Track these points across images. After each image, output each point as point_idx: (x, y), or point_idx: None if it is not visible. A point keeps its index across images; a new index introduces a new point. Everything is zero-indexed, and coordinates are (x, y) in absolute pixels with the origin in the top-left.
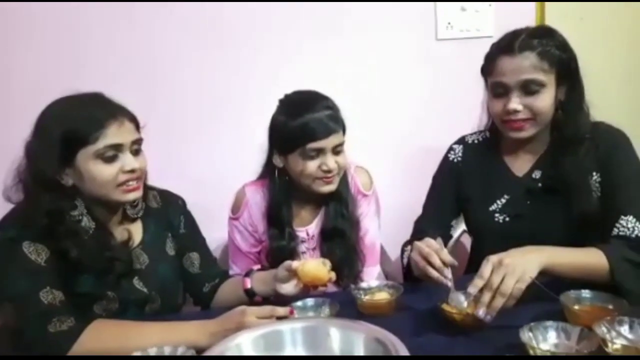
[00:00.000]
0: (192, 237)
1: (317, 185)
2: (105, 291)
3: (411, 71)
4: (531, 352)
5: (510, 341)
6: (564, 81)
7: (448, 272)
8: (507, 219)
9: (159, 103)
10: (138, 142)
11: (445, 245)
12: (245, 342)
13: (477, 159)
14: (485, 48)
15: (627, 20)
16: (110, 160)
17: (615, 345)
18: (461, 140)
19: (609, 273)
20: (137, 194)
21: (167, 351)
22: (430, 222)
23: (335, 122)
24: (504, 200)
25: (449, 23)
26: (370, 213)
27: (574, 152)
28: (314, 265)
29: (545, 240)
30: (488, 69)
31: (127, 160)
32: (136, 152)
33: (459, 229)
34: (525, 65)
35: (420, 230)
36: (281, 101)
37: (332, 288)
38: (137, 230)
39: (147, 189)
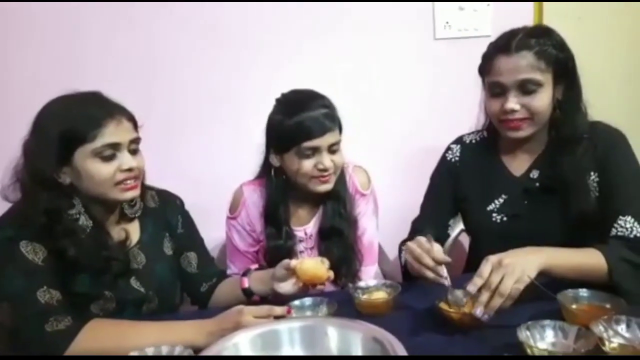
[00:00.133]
0: (189, 236)
1: (313, 185)
2: (102, 291)
3: (409, 71)
4: (528, 351)
5: (508, 340)
6: (562, 80)
7: (443, 270)
8: (505, 218)
9: (157, 103)
10: (136, 141)
11: (443, 245)
12: (242, 341)
13: (475, 158)
14: (483, 47)
15: (625, 20)
16: (108, 159)
17: (613, 344)
18: (459, 140)
19: (608, 273)
20: (135, 193)
21: (164, 351)
22: (428, 222)
23: (331, 121)
24: (501, 200)
25: (447, 22)
26: (368, 212)
27: (572, 152)
28: (312, 264)
29: (543, 240)
30: (485, 68)
31: (125, 159)
32: (134, 151)
33: (457, 228)
34: (522, 64)
35: (418, 229)
36: (278, 100)
37: (329, 287)
38: (134, 230)
39: (145, 188)
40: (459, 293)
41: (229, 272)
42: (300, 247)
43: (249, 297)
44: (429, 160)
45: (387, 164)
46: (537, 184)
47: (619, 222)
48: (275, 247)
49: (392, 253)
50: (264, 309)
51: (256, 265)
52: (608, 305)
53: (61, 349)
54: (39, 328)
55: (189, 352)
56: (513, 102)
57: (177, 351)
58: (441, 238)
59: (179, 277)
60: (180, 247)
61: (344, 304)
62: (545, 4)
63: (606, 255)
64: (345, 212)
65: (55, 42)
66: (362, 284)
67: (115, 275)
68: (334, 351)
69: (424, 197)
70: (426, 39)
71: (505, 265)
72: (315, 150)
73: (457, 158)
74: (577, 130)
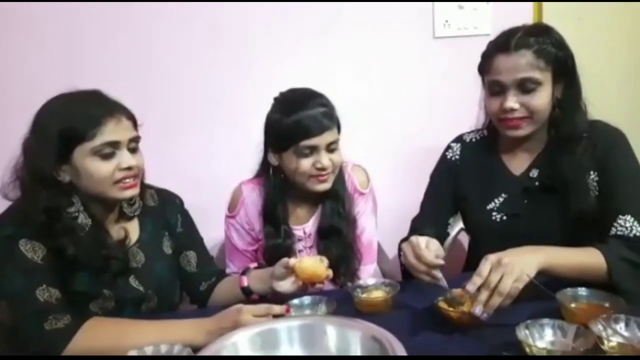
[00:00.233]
0: (189, 235)
1: (312, 184)
2: (101, 289)
3: (409, 69)
4: (527, 350)
5: (507, 339)
6: (561, 79)
7: (437, 273)
8: (505, 217)
9: (155, 102)
10: (135, 139)
11: (442, 243)
12: (241, 340)
13: (475, 157)
14: (483, 46)
15: (625, 20)
16: (107, 157)
17: (612, 343)
18: (459, 139)
19: (607, 273)
20: (134, 192)
21: (163, 350)
22: (428, 221)
23: (329, 119)
24: (501, 199)
25: (447, 21)
26: (367, 211)
27: (571, 151)
28: (311, 262)
29: (543, 239)
30: (485, 67)
31: (124, 157)
32: (133, 150)
33: (456, 227)
34: (521, 63)
35: (417, 228)
36: (276, 99)
37: (328, 286)
38: (134, 229)
39: (145, 187)
40: (457, 292)
41: (228, 271)
42: (299, 246)
43: (248, 296)
44: (428, 159)
45: (387, 162)
46: (537, 183)
47: (619, 221)
48: (274, 246)
49: (391, 252)
50: (262, 307)
51: (255, 264)
52: (607, 304)
53: (60, 347)
54: (38, 326)
55: (187, 351)
56: (512, 101)
57: (176, 350)
58: (441, 237)
59: (178, 276)
60: (179, 246)
61: (343, 302)
62: (544, 3)
63: (606, 255)
64: (344, 211)
65: (54, 42)
66: (361, 282)
67: (114, 274)
68: (333, 350)
69: (423, 195)
70: (425, 37)
71: (505, 264)
72: (314, 149)
73: (457, 157)
74: (577, 129)
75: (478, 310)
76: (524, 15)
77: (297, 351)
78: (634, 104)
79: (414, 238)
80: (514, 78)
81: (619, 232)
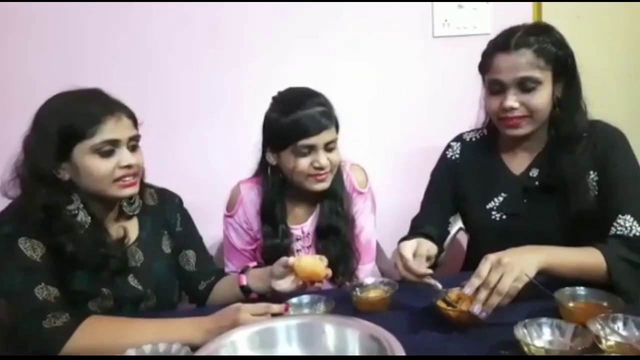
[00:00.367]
0: (188, 235)
1: (310, 183)
2: (100, 288)
3: (408, 68)
4: (525, 349)
5: (505, 338)
6: (561, 78)
7: (429, 280)
8: (504, 217)
9: (154, 102)
10: (135, 138)
11: (443, 242)
12: (240, 339)
13: (475, 156)
14: (482, 45)
15: (624, 19)
16: (106, 155)
17: (610, 342)
18: (459, 138)
19: (607, 272)
20: (134, 190)
21: (161, 348)
22: (428, 220)
23: (327, 119)
24: (501, 199)
25: (446, 20)
26: (366, 211)
27: (571, 150)
28: (310, 261)
29: (542, 239)
30: (485, 66)
31: (124, 155)
32: (133, 148)
33: (456, 226)
34: (521, 62)
35: (418, 227)
36: (274, 98)
37: (327, 285)
38: (133, 228)
39: (145, 186)
40: (453, 294)
41: (226, 270)
42: (298, 245)
43: (247, 295)
44: (428, 159)
45: (386, 162)
46: (537, 183)
47: (619, 221)
48: (272, 246)
49: (390, 252)
50: (261, 306)
51: (254, 263)
52: (605, 304)
53: (58, 345)
54: (36, 324)
55: (186, 350)
56: (512, 100)
57: (174, 349)
58: (442, 236)
59: (178, 275)
60: (178, 245)
61: (341, 301)
62: (544, 2)
63: (605, 254)
64: (343, 211)
65: (54, 42)
66: (359, 282)
67: (112, 272)
68: (332, 349)
69: (424, 195)
70: (425, 37)
71: (505, 264)
72: (312, 149)
73: (457, 156)
74: (577, 128)
75: (477, 309)
76: (523, 15)
77: (296, 350)
78: (634, 104)
79: (402, 249)
80: (514, 77)
81: (618, 232)
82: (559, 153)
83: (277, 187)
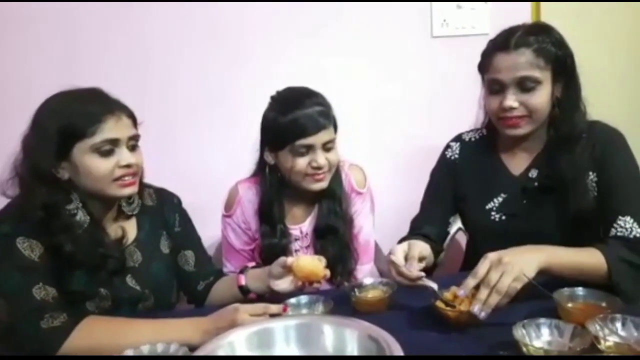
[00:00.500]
0: (187, 235)
1: (307, 183)
2: (98, 289)
3: (407, 68)
4: (524, 350)
5: (504, 339)
6: (560, 78)
7: (424, 282)
8: (504, 217)
9: (152, 102)
10: (135, 137)
11: (443, 243)
12: (238, 339)
13: (474, 156)
14: (481, 45)
15: (623, 18)
16: (106, 154)
17: (608, 342)
18: (458, 138)
19: (607, 273)
20: (133, 189)
21: (159, 349)
22: (428, 220)
23: (325, 118)
24: (500, 199)
25: (445, 20)
26: (365, 211)
27: (570, 150)
28: (309, 261)
29: (541, 240)
30: (484, 65)
31: (124, 155)
32: (133, 148)
33: (455, 226)
34: (520, 62)
35: (417, 228)
36: (273, 98)
37: (325, 286)
38: (131, 228)
39: (144, 186)
40: (448, 295)
41: (224, 270)
42: (296, 245)
43: (245, 295)
44: (427, 159)
45: (386, 162)
46: (536, 184)
47: (619, 222)
48: (270, 245)
49: None
50: (259, 306)
51: (253, 263)
52: (604, 304)
53: (56, 345)
54: (34, 324)
55: (184, 350)
56: (511, 100)
57: (172, 349)
58: (441, 236)
59: (176, 275)
60: (177, 246)
61: (340, 302)
62: (542, 2)
63: (606, 255)
64: (341, 211)
65: (52, 41)
66: (358, 282)
67: (110, 272)
68: (330, 349)
69: (423, 195)
70: (424, 37)
71: (505, 263)
72: (309, 148)
73: (456, 156)
74: (576, 128)
75: (477, 309)
76: (522, 15)
77: (294, 351)
78: (634, 104)
79: (392, 254)
80: (513, 77)
81: (619, 234)
82: (558, 153)
83: (275, 187)
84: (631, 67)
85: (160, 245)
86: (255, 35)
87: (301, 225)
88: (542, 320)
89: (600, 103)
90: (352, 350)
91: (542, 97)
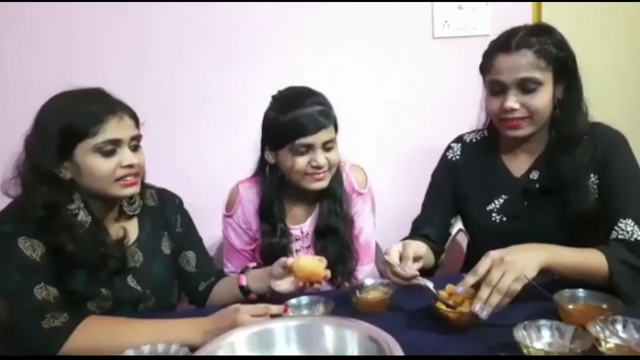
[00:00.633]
0: (188, 236)
1: (307, 182)
2: (99, 289)
3: (408, 69)
4: (525, 351)
5: (504, 340)
6: (562, 79)
7: (419, 280)
8: (505, 219)
9: (152, 102)
10: (137, 138)
11: (444, 244)
12: (238, 340)
13: (475, 158)
14: (482, 46)
15: (624, 19)
16: (108, 154)
17: (609, 344)
18: (459, 139)
19: (608, 274)
20: (135, 190)
21: (160, 349)
22: (429, 221)
23: (325, 118)
24: (501, 201)
25: (446, 21)
26: (366, 211)
27: (572, 152)
28: (309, 261)
29: (542, 241)
30: (486, 66)
31: (126, 155)
32: (135, 148)
33: (455, 227)
34: (522, 63)
35: (418, 229)
36: (274, 97)
37: (326, 286)
38: (133, 228)
39: (145, 186)
40: (445, 292)
41: (225, 270)
42: (297, 245)
43: (246, 295)
44: (428, 159)
45: (387, 163)
46: (537, 185)
47: (620, 224)
48: (270, 245)
49: None
50: (260, 307)
51: (254, 263)
52: (605, 306)
53: (57, 345)
54: (35, 324)
55: (184, 351)
56: (512, 101)
57: (173, 350)
58: (443, 237)
59: (178, 276)
60: (178, 246)
61: (340, 303)
62: (544, 3)
63: (607, 256)
64: (342, 211)
65: (51, 41)
66: (358, 283)
67: (111, 273)
68: (331, 350)
69: (424, 196)
70: (425, 37)
71: (507, 262)
72: (309, 147)
73: (457, 157)
74: (577, 129)
75: (478, 308)
76: (523, 16)
77: (294, 351)
78: (635, 105)
79: (387, 255)
80: (514, 78)
81: (620, 236)
82: (559, 155)
83: (275, 186)
84: (633, 67)
85: (161, 245)
86: (255, 35)
87: (302, 225)
88: (542, 321)
89: (602, 104)
90: (353, 351)
91: (543, 99)
